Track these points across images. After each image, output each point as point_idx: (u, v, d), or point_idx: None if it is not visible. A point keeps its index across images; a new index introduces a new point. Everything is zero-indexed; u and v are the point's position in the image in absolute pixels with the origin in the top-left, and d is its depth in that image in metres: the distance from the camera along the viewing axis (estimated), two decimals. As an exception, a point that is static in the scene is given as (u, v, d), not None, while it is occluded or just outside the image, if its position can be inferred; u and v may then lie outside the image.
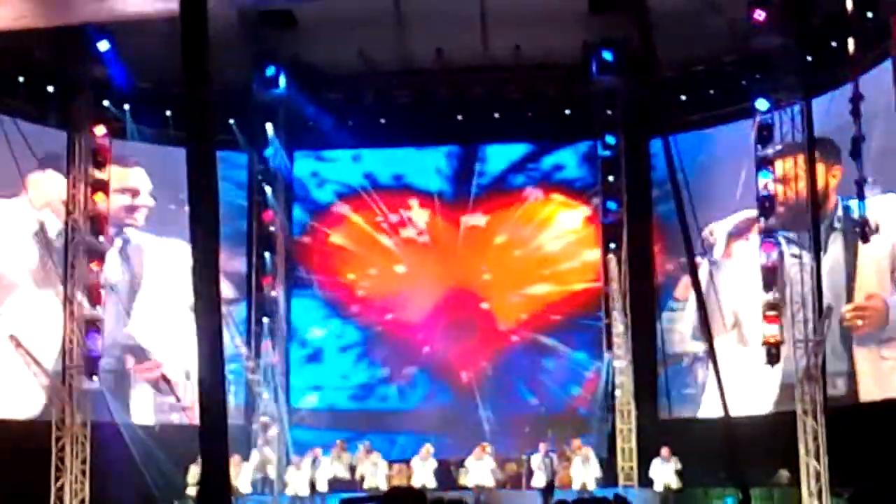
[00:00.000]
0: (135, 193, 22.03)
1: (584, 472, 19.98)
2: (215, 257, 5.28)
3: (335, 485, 20.23)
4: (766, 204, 20.05)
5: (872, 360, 18.85)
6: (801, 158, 19.83)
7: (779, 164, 19.89)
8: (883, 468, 16.29)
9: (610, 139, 21.90)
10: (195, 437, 4.44)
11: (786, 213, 20.08)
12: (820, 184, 19.90)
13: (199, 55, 5.12)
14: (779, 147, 19.82)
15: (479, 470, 20.29)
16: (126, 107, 20.92)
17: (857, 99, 18.44)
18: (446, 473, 20.69)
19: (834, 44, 18.90)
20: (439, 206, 23.13)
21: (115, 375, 21.38)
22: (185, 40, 5.11)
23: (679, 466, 19.58)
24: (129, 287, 21.88)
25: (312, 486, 20.20)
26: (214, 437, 5.11)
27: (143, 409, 21.63)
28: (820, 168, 19.91)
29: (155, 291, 21.72)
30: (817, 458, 19.19)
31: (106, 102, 20.33)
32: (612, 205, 21.96)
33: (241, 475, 20.02)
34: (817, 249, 19.88)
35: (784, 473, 19.32)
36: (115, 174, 20.95)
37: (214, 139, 5.28)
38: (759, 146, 20.14)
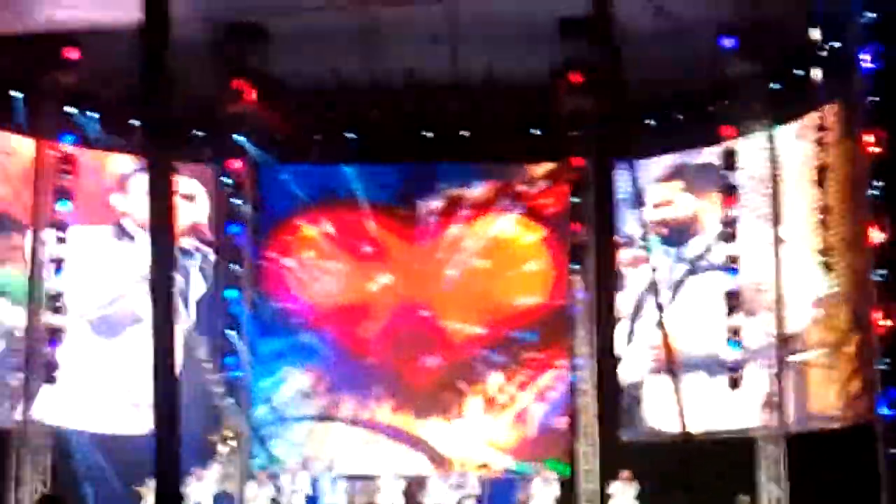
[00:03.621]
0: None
1: (546, 493, 19.98)
2: (172, 270, 5.30)
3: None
4: (728, 230, 20.29)
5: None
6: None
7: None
8: (843, 495, 16.44)
9: (576, 161, 21.98)
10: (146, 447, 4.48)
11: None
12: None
13: (158, 67, 5.14)
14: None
15: (440, 491, 20.27)
16: (95, 115, 20.86)
17: (822, 128, 18.71)
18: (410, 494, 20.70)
19: (800, 73, 19.11)
20: (393, 223, 23.12)
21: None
22: (147, 52, 5.14)
23: (636, 491, 19.54)
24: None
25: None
26: (168, 452, 5.12)
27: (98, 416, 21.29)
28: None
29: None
30: (778, 484, 19.29)
31: (73, 110, 20.32)
32: (577, 226, 22.03)
33: (203, 489, 19.86)
34: (778, 275, 20.05)
35: (744, 499, 19.38)
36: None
37: (173, 148, 5.31)
38: (725, 172, 20.39)
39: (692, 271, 21.43)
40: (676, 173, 21.83)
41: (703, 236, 21.39)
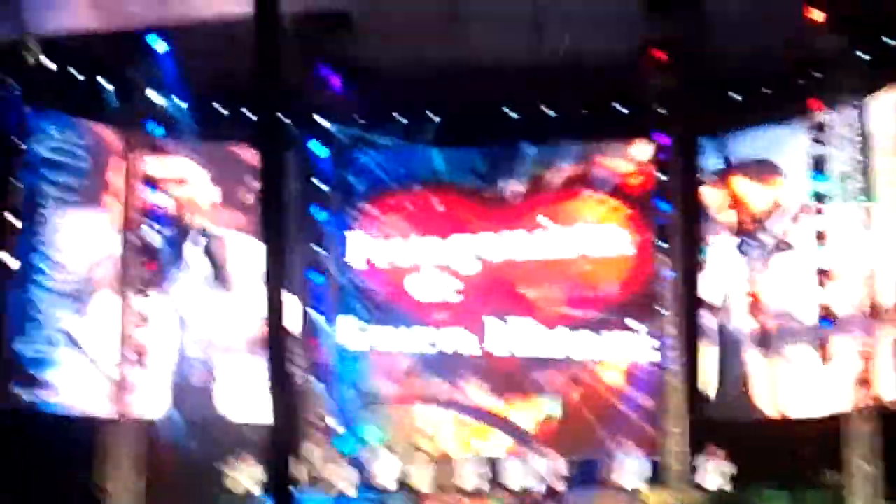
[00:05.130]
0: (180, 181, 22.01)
1: (635, 471, 19.97)
2: (283, 265, 5.38)
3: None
4: (818, 206, 20.03)
5: None
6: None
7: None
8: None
9: (662, 138, 21.82)
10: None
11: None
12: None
13: (271, 62, 5.22)
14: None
15: (524, 473, 20.33)
16: (182, 104, 21.13)
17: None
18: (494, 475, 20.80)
19: (891, 42, 18.75)
20: (477, 205, 23.18)
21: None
22: (259, 45, 5.22)
23: (729, 469, 19.47)
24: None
25: None
26: (281, 440, 5.22)
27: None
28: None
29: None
30: (869, 462, 19.00)
31: (161, 100, 20.61)
32: (664, 205, 21.87)
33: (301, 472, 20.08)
34: (869, 249, 19.73)
35: (833, 476, 19.17)
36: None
37: (284, 145, 5.39)
38: (814, 146, 20.13)
39: (777, 248, 21.18)
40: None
41: (782, 216, 21.07)
